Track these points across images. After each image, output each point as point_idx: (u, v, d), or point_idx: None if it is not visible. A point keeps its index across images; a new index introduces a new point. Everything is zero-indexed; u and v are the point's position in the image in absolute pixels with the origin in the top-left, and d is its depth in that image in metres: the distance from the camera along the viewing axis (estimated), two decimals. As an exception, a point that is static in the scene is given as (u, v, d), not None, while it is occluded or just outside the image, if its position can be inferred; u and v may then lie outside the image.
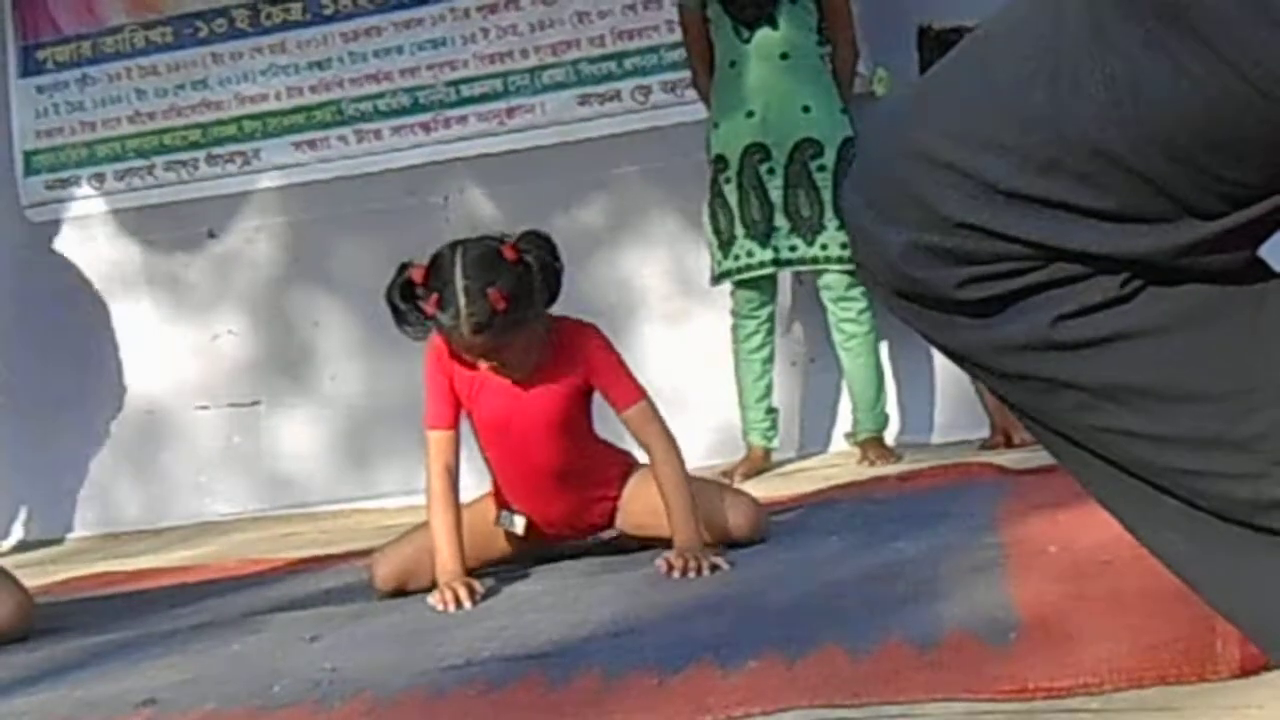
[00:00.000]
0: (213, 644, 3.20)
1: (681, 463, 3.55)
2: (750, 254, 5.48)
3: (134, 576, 4.86)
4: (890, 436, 5.81)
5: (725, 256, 5.54)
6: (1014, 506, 3.68)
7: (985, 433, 5.71)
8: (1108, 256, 1.12)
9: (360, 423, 6.48)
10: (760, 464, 5.58)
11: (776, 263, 5.50)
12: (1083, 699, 1.87)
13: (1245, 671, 1.87)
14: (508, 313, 3.28)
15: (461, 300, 3.27)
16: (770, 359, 5.73)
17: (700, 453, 5.69)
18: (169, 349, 6.65)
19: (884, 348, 5.91)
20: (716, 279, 5.66)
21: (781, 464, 5.80)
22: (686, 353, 6.26)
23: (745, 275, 5.53)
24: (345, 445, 6.50)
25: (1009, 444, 5.55)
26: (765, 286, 5.62)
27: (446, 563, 3.31)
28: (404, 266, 3.43)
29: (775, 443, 5.77)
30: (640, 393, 3.57)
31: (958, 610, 2.50)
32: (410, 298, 3.39)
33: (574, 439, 3.58)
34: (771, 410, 5.75)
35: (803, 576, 3.08)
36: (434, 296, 3.32)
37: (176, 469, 6.64)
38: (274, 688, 2.59)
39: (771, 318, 5.70)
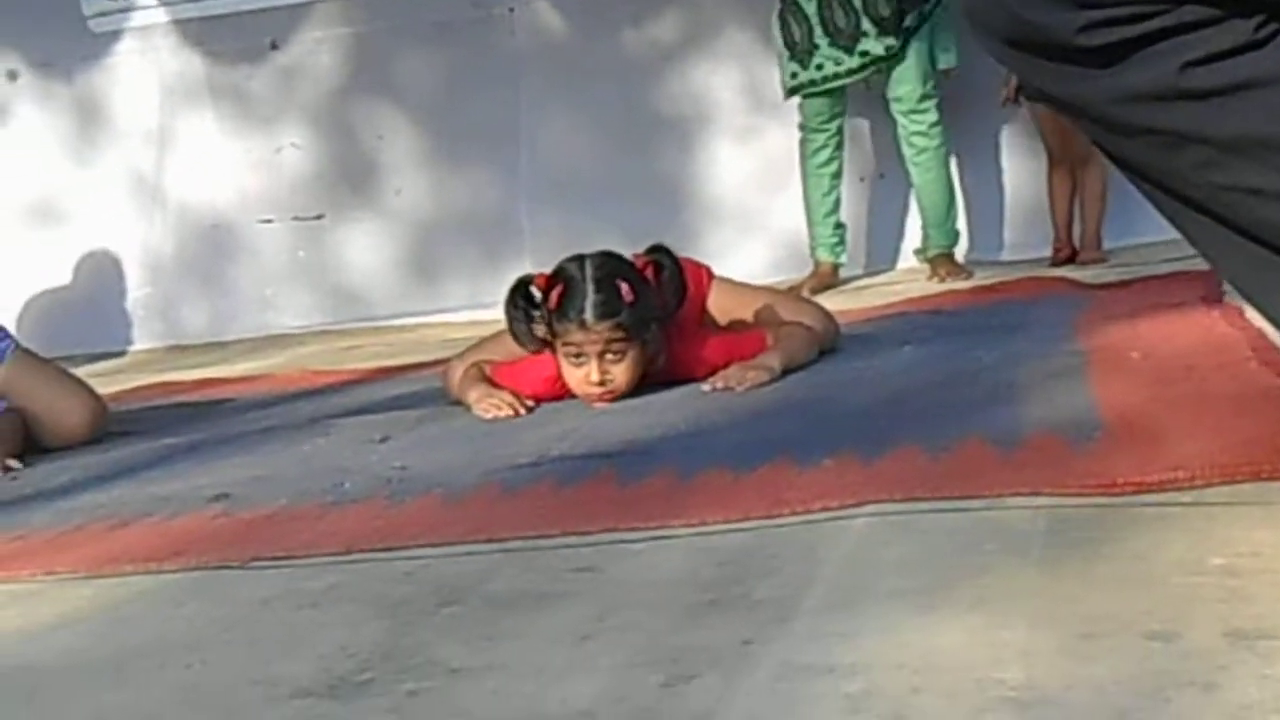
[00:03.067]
0: (282, 445, 3.20)
1: (812, 333, 3.43)
2: (838, 62, 5.36)
3: (200, 385, 4.87)
4: (959, 254, 5.73)
5: (804, 67, 5.41)
6: (1092, 317, 3.62)
7: (1056, 251, 5.63)
8: None
9: (425, 236, 6.46)
10: (828, 279, 5.52)
11: (865, 67, 5.38)
12: (1173, 494, 1.82)
13: (1343, 467, 1.81)
14: (634, 307, 3.16)
15: (590, 288, 3.15)
16: (839, 174, 5.64)
17: (766, 268, 5.65)
18: (232, 162, 6.61)
19: (954, 163, 5.81)
20: (791, 91, 5.55)
21: (849, 280, 5.74)
22: (756, 168, 6.18)
23: (829, 85, 5.42)
24: (410, 259, 6.48)
25: (1072, 258, 5.48)
26: (836, 97, 5.52)
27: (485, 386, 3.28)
28: (524, 278, 3.30)
29: (843, 258, 5.71)
30: (761, 333, 3.37)
31: (1039, 412, 2.45)
32: (530, 304, 3.26)
33: None
34: (839, 225, 5.68)
35: (877, 382, 3.04)
36: (559, 289, 3.19)
37: (241, 282, 6.65)
38: (344, 484, 2.58)
39: (841, 130, 5.61)
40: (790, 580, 1.67)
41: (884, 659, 1.37)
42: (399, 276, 6.50)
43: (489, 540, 2.04)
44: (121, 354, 6.57)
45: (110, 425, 3.82)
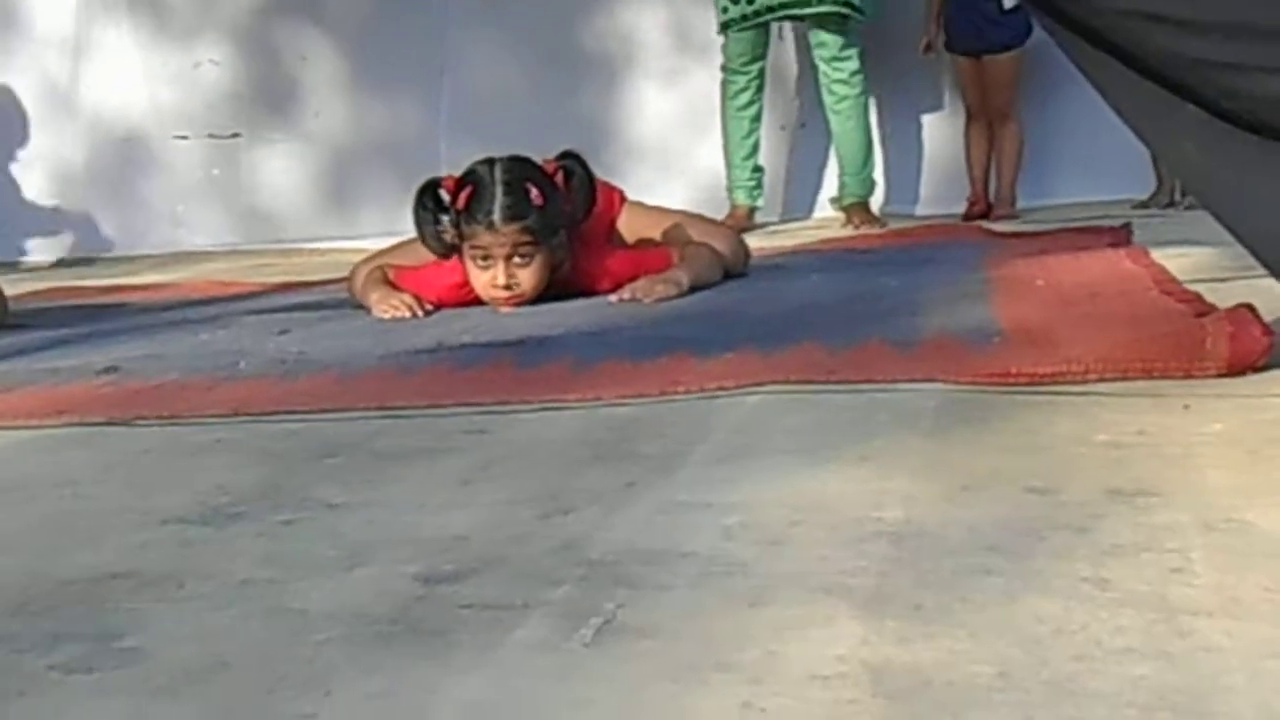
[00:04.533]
0: (180, 334, 3.15)
1: (720, 255, 3.41)
2: None
3: (104, 291, 4.79)
4: (875, 206, 5.75)
5: (735, 1, 5.40)
6: (1001, 256, 3.64)
7: (971, 205, 5.67)
8: None
9: (342, 161, 6.38)
10: (743, 222, 5.51)
11: (795, 3, 5.37)
12: (1065, 385, 1.82)
13: (1233, 368, 1.82)
14: (543, 210, 3.12)
15: (499, 190, 3.11)
16: (758, 117, 5.64)
17: (683, 209, 5.61)
18: (148, 75, 6.50)
19: (874, 116, 5.82)
20: (723, 27, 5.53)
21: (764, 225, 5.74)
22: (679, 110, 6.16)
23: (761, 20, 5.41)
24: (325, 183, 6.41)
25: (986, 213, 5.52)
26: (759, 38, 5.51)
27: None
28: (433, 180, 3.25)
29: (760, 202, 5.71)
30: (668, 251, 3.34)
31: (940, 321, 2.46)
32: (439, 207, 3.21)
33: None
34: (758, 169, 5.67)
35: (782, 299, 3.03)
36: (468, 190, 3.14)
37: (152, 198, 6.54)
38: (239, 364, 2.54)
39: (762, 74, 5.60)
40: (679, 440, 1.67)
41: (764, 499, 1.37)
42: (313, 200, 6.42)
43: (380, 408, 2.01)
44: (25, 264, 6.44)
45: (8, 319, 3.74)
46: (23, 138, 6.60)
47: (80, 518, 1.51)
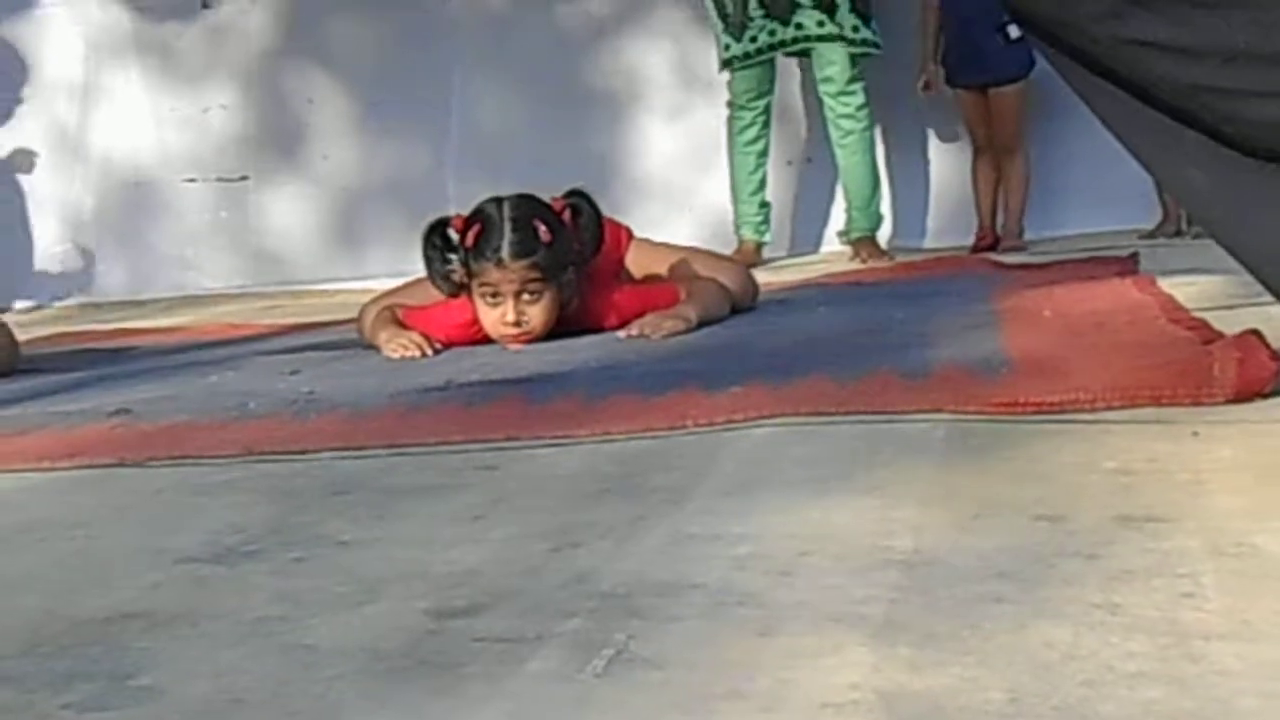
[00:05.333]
0: (191, 376, 3.16)
1: (727, 290, 3.42)
2: (772, 33, 5.38)
3: (114, 334, 4.81)
4: (883, 240, 5.75)
5: (737, 40, 5.43)
6: (1009, 287, 3.63)
7: (978, 239, 5.68)
8: None
9: (350, 202, 6.41)
10: (751, 257, 5.51)
11: (798, 40, 5.39)
12: (1074, 413, 1.83)
13: (1241, 395, 1.83)
14: (551, 247, 3.13)
15: (507, 227, 3.13)
16: (765, 152, 5.65)
17: (692, 244, 5.62)
18: (157, 120, 6.53)
19: (880, 150, 5.84)
20: (724, 64, 5.56)
21: (772, 260, 5.75)
22: (685, 146, 6.18)
23: (764, 58, 5.44)
24: (334, 224, 6.43)
25: (994, 246, 5.53)
26: (765, 74, 5.53)
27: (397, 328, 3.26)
28: (442, 219, 3.27)
29: (767, 237, 5.72)
30: (675, 287, 3.34)
31: (949, 352, 2.46)
32: (447, 245, 3.22)
33: None
34: (764, 204, 5.69)
35: (790, 332, 3.04)
36: (476, 228, 3.16)
37: (161, 242, 6.56)
38: (250, 404, 2.55)
39: (769, 109, 5.62)
40: (688, 473, 1.67)
41: (774, 530, 1.37)
42: (322, 241, 6.44)
43: (390, 445, 2.02)
44: (36, 309, 6.47)
45: (19, 364, 3.75)
46: (33, 183, 6.63)
47: (93, 558, 1.52)
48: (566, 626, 1.13)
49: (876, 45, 5.47)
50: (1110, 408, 1.85)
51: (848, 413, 1.93)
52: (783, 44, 5.40)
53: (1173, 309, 2.78)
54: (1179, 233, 5.29)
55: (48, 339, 4.80)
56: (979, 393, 2.00)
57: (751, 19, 5.37)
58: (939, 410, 1.89)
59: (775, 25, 5.37)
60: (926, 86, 5.70)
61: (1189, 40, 1.08)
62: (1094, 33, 1.14)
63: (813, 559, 1.26)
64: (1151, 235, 5.33)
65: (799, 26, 5.36)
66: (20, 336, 4.37)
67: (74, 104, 6.59)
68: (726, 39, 5.46)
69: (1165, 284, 3.25)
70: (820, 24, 5.35)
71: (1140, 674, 0.95)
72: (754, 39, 5.40)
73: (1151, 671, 0.95)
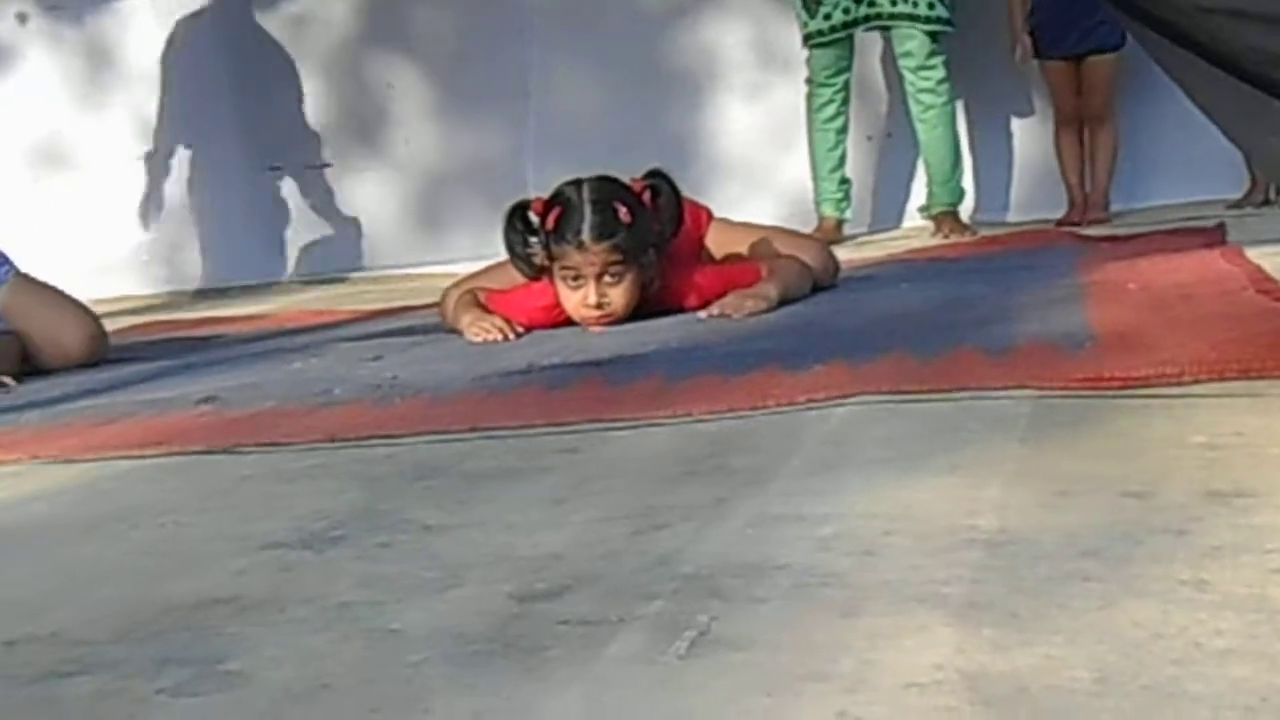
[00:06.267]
0: (276, 363, 3.19)
1: (808, 268, 3.40)
2: (846, 10, 5.36)
3: (201, 323, 4.86)
4: (965, 214, 5.71)
5: (813, 16, 5.41)
6: (1093, 261, 3.60)
7: (1063, 211, 5.61)
8: None
9: (431, 187, 6.44)
10: (832, 234, 5.50)
11: (871, 18, 5.37)
12: (1160, 388, 1.80)
13: (1332, 366, 1.80)
14: (632, 228, 3.14)
15: (587, 209, 3.13)
16: (845, 129, 5.63)
17: (772, 223, 5.61)
18: (241, 109, 6.59)
19: (961, 124, 5.79)
20: (805, 39, 5.54)
21: (853, 237, 5.72)
22: (764, 124, 6.16)
23: (837, 35, 5.42)
24: (415, 209, 6.47)
25: (1085, 221, 5.47)
26: (843, 51, 5.51)
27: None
28: (522, 202, 3.28)
29: (848, 214, 5.70)
30: (756, 266, 3.33)
31: (1032, 327, 2.44)
32: (528, 228, 3.24)
33: None
34: (845, 181, 5.66)
35: (872, 309, 3.02)
36: (556, 211, 3.16)
37: (246, 229, 6.63)
38: (334, 390, 2.57)
39: (847, 85, 5.59)
40: (770, 454, 1.67)
41: (857, 510, 1.36)
42: (404, 226, 6.48)
43: (473, 429, 2.03)
44: (124, 299, 6.55)
45: (108, 354, 3.81)
46: (118, 173, 6.71)
47: (181, 545, 1.54)
48: (649, 609, 1.13)
49: (950, 24, 5.42)
50: (1197, 381, 1.82)
51: (930, 391, 1.91)
52: (857, 21, 5.37)
53: (1261, 280, 2.74)
54: (1267, 201, 5.21)
55: (135, 328, 4.87)
56: (1063, 368, 1.98)
57: (825, -6, 5.36)
58: (1023, 387, 1.88)
59: (849, 3, 5.34)
60: (1025, 58, 5.63)
61: (1275, 9, 1.06)
62: (1178, 3, 1.12)
63: (896, 539, 1.26)
64: (1239, 205, 5.26)
65: (872, 4, 5.34)
66: (109, 327, 4.44)
67: (154, 94, 6.66)
68: (804, 15, 5.45)
69: (1253, 254, 3.21)
70: (894, 2, 5.32)
71: (1229, 651, 0.94)
72: (828, 16, 5.38)
73: (1240, 649, 0.94)
